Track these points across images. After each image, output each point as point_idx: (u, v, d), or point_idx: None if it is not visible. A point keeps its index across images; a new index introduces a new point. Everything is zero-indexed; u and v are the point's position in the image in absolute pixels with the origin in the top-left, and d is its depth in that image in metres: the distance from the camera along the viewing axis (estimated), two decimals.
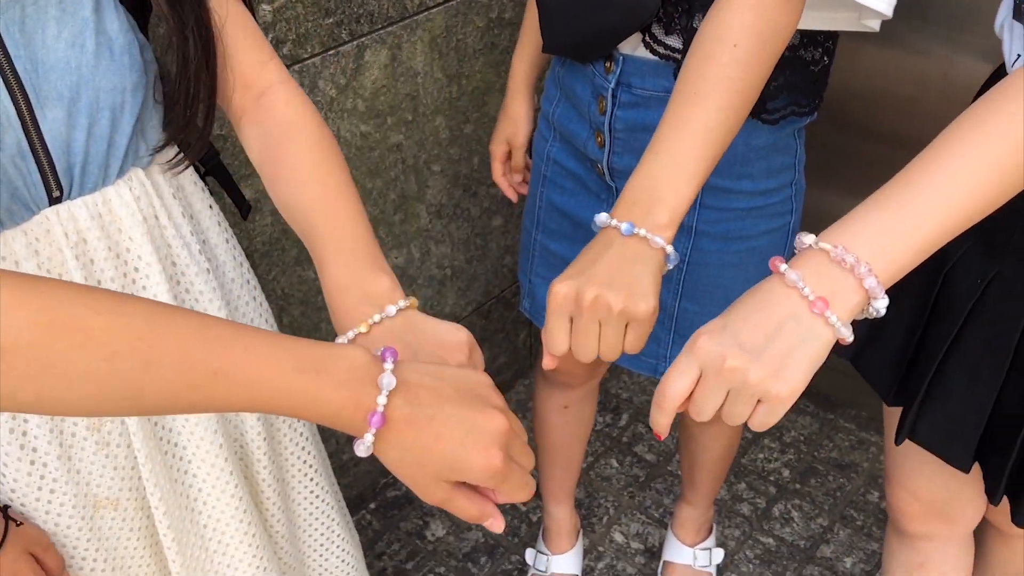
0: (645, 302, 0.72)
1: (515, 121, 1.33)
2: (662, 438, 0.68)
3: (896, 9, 0.88)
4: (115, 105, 0.76)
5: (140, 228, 0.81)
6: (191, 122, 0.81)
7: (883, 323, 1.09)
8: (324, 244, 0.75)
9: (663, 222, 0.73)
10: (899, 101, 1.65)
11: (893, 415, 1.13)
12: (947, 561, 1.24)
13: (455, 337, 0.71)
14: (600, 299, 0.71)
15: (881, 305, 0.63)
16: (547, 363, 0.76)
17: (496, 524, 0.62)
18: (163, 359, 0.52)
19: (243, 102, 0.83)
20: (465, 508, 0.60)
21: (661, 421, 0.67)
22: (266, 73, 0.84)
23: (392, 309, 0.72)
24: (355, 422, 0.56)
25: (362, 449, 0.57)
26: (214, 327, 0.54)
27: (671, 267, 0.75)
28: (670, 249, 0.74)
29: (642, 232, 0.73)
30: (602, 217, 0.75)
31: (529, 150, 1.34)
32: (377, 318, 0.71)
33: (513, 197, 1.39)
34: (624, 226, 0.73)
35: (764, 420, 0.64)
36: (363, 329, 0.71)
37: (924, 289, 1.03)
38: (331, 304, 0.74)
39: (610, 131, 1.10)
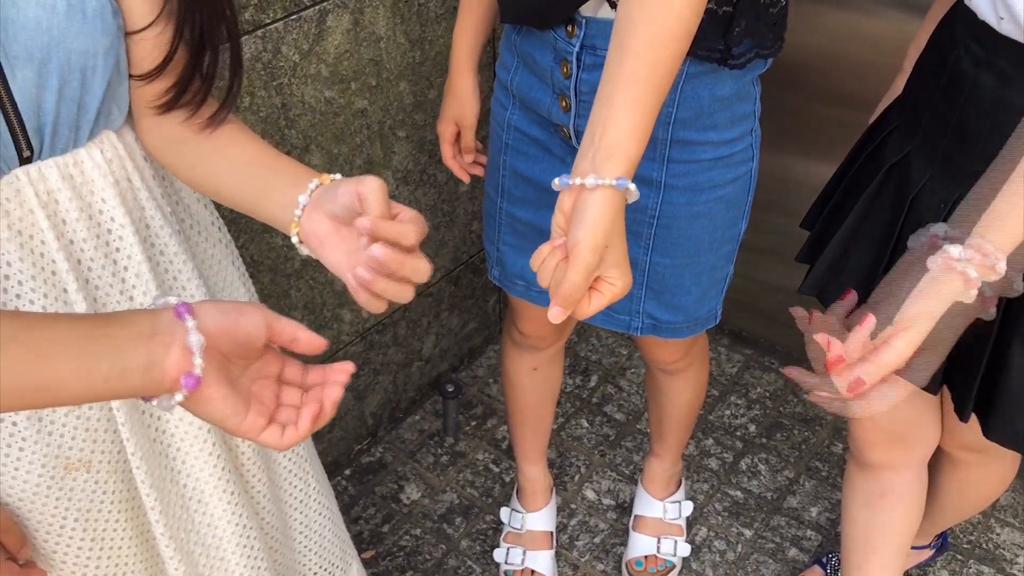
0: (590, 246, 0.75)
1: (462, 100, 1.29)
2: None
3: None
4: (86, 67, 0.76)
5: (112, 189, 0.82)
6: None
7: (847, 256, 1.13)
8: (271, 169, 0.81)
9: (625, 169, 0.75)
10: (854, 63, 1.68)
11: None
12: (904, 489, 1.30)
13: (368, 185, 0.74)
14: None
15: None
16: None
17: None
18: None
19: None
20: None
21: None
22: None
23: (339, 175, 0.77)
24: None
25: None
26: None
27: (631, 201, 0.76)
28: (632, 186, 0.75)
29: (607, 181, 0.74)
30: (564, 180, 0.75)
31: (477, 130, 1.30)
32: (338, 176, 0.76)
33: (465, 178, 1.36)
34: (589, 180, 0.74)
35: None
36: (326, 181, 0.76)
37: (890, 218, 1.07)
38: (275, 198, 0.78)
39: (576, 94, 1.11)
